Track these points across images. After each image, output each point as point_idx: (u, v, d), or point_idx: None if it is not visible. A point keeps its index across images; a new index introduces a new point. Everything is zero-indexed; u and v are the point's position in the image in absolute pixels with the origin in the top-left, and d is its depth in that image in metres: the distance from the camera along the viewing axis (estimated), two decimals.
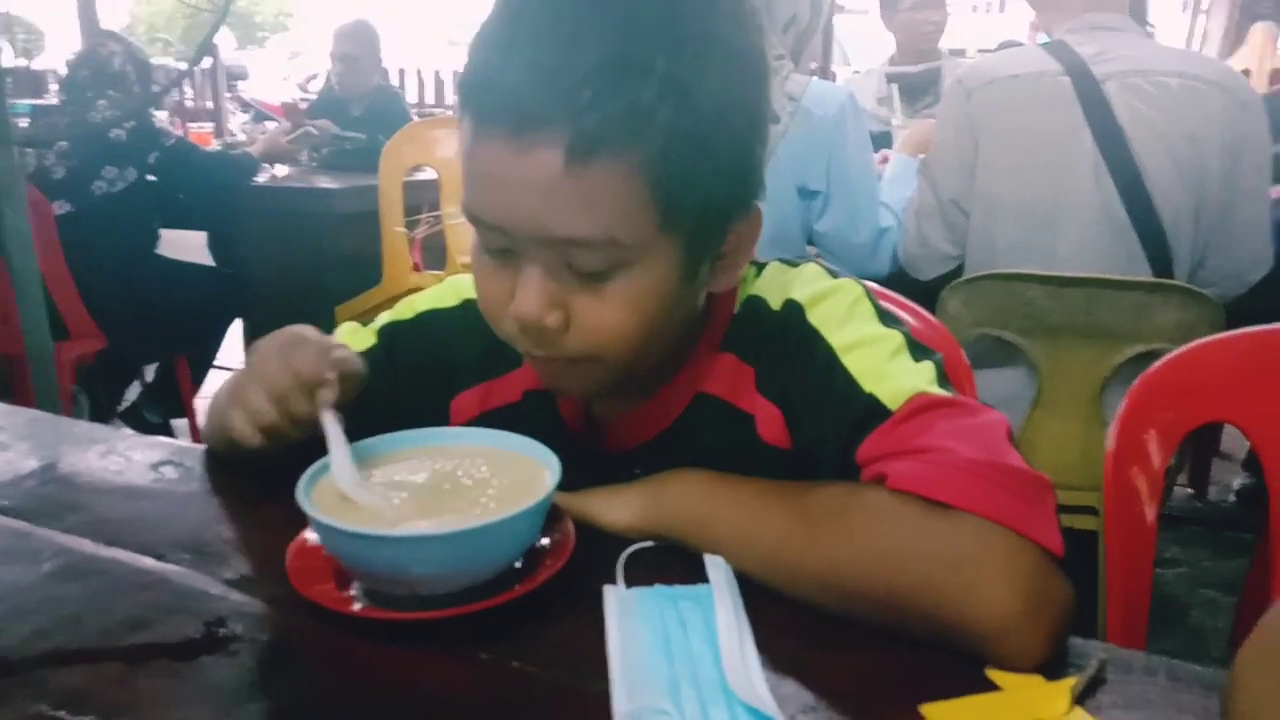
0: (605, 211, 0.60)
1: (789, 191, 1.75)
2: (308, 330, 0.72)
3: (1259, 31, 6.04)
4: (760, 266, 0.78)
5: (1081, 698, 0.53)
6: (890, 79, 2.69)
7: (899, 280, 1.75)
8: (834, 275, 0.75)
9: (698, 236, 0.65)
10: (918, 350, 0.69)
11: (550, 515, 0.64)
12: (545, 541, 0.64)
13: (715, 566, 0.62)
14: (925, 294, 1.59)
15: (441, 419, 0.80)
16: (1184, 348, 0.91)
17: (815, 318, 0.71)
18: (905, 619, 0.57)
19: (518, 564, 0.62)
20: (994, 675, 0.54)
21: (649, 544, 0.66)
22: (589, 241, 0.60)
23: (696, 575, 0.62)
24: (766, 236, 1.85)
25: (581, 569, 0.62)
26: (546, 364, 0.68)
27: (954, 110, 1.64)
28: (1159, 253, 1.53)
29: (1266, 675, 0.47)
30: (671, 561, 0.64)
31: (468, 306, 0.79)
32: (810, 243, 1.88)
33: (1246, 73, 5.25)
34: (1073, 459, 1.54)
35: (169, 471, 0.80)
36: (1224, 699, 0.50)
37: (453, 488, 0.63)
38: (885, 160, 2.12)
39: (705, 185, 0.63)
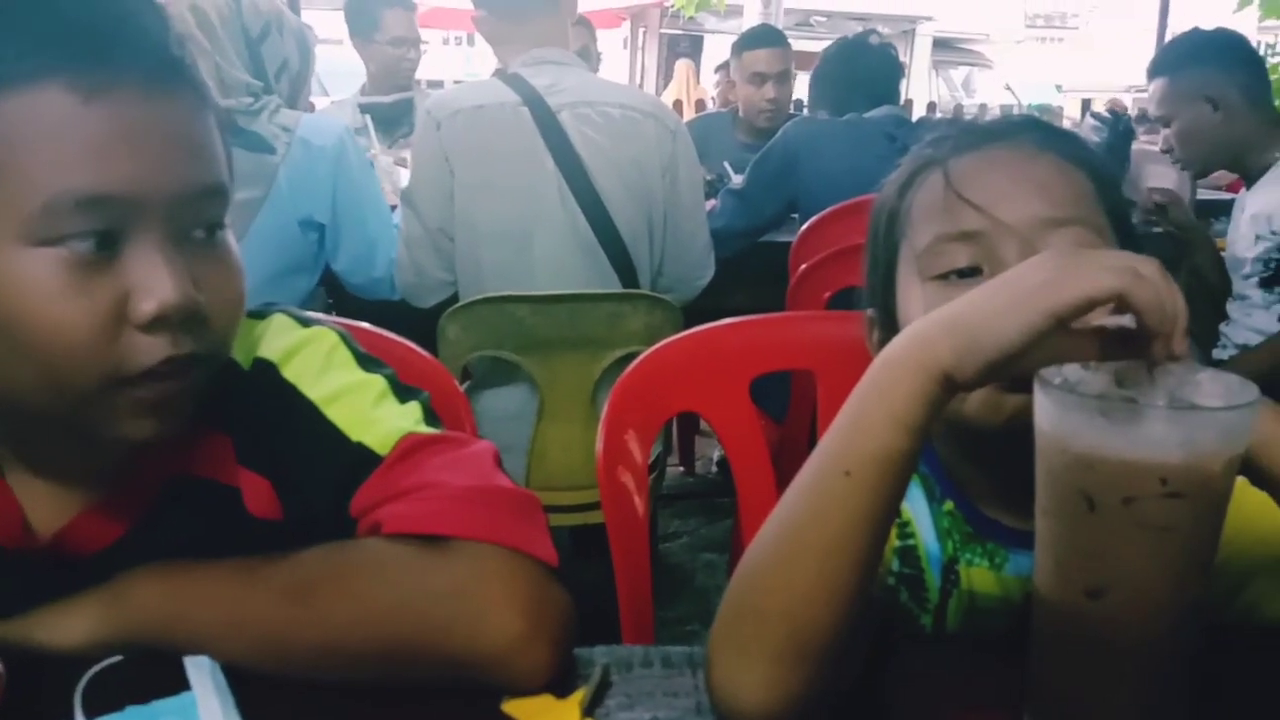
0: (218, 152, 0.60)
1: (290, 224, 1.68)
2: None
3: (681, 68, 7.08)
4: None
5: (591, 707, 0.55)
6: (363, 109, 2.67)
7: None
8: (304, 324, 0.70)
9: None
10: (403, 392, 0.68)
11: None
12: None
13: (198, 668, 0.54)
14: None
15: None
16: (646, 352, 1.01)
17: (291, 373, 0.66)
18: (417, 666, 0.55)
19: None
20: (510, 708, 0.54)
21: (116, 659, 0.56)
22: (218, 187, 0.59)
23: (180, 683, 0.54)
24: (277, 267, 1.72)
25: (27, 713, 0.50)
26: (161, 384, 0.56)
27: (426, 141, 1.67)
28: (624, 266, 1.70)
29: (732, 651, 0.53)
30: (146, 674, 0.55)
31: None
32: (322, 281, 1.82)
33: (678, 103, 6.12)
34: (579, 461, 1.65)
35: None
36: (707, 673, 0.55)
37: None
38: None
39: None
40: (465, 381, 1.72)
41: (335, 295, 1.91)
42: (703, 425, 3.25)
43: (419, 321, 1.66)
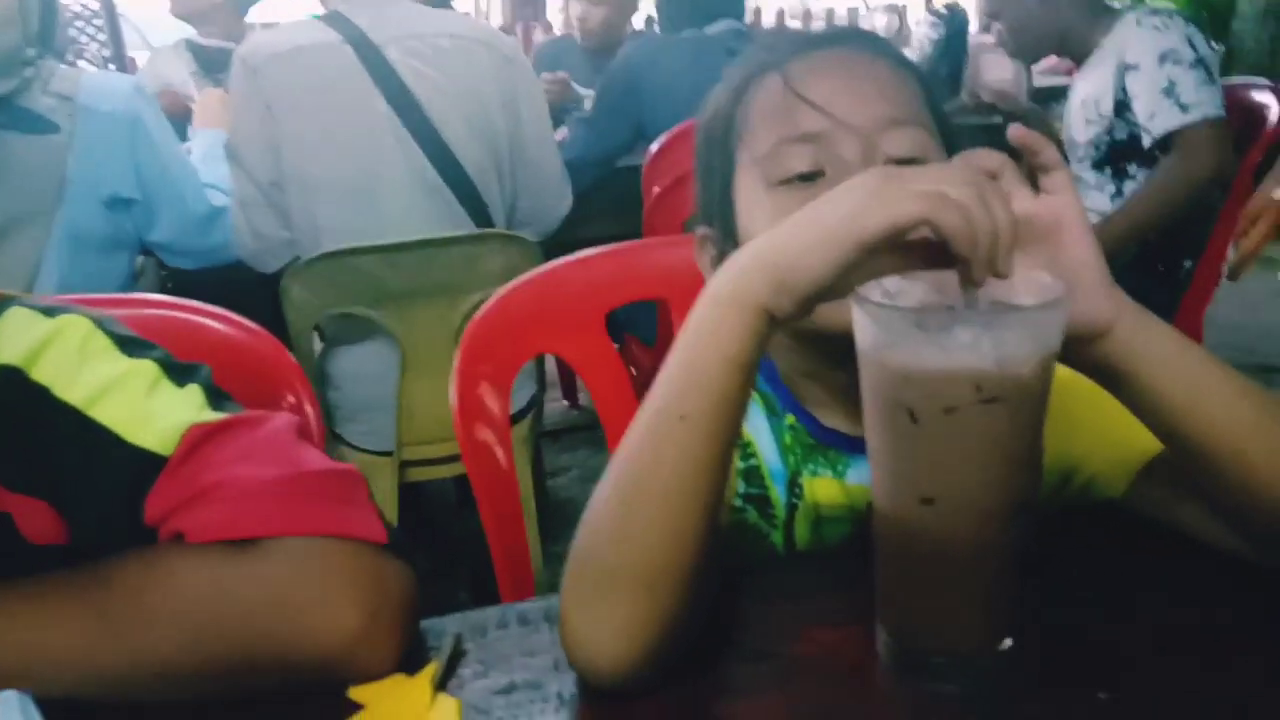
0: None
1: (94, 208, 1.51)
2: None
3: None
4: None
5: (445, 679, 0.53)
6: (189, 47, 2.48)
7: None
8: (48, 313, 0.61)
9: None
10: (178, 374, 0.61)
11: None
12: None
13: (5, 705, 0.50)
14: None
15: None
16: (492, 298, 0.97)
17: (42, 375, 0.58)
18: (251, 679, 0.52)
19: None
20: (356, 694, 0.52)
21: None
22: None
23: None
24: (95, 258, 1.55)
25: None
26: None
27: (244, 89, 1.55)
28: (475, 205, 1.63)
29: (583, 604, 0.52)
30: None
31: None
32: (145, 252, 1.68)
33: None
34: (447, 412, 1.61)
35: None
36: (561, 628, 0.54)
37: None
38: None
39: None
40: (321, 342, 1.65)
41: (168, 265, 1.79)
42: None
43: (263, 284, 1.58)
